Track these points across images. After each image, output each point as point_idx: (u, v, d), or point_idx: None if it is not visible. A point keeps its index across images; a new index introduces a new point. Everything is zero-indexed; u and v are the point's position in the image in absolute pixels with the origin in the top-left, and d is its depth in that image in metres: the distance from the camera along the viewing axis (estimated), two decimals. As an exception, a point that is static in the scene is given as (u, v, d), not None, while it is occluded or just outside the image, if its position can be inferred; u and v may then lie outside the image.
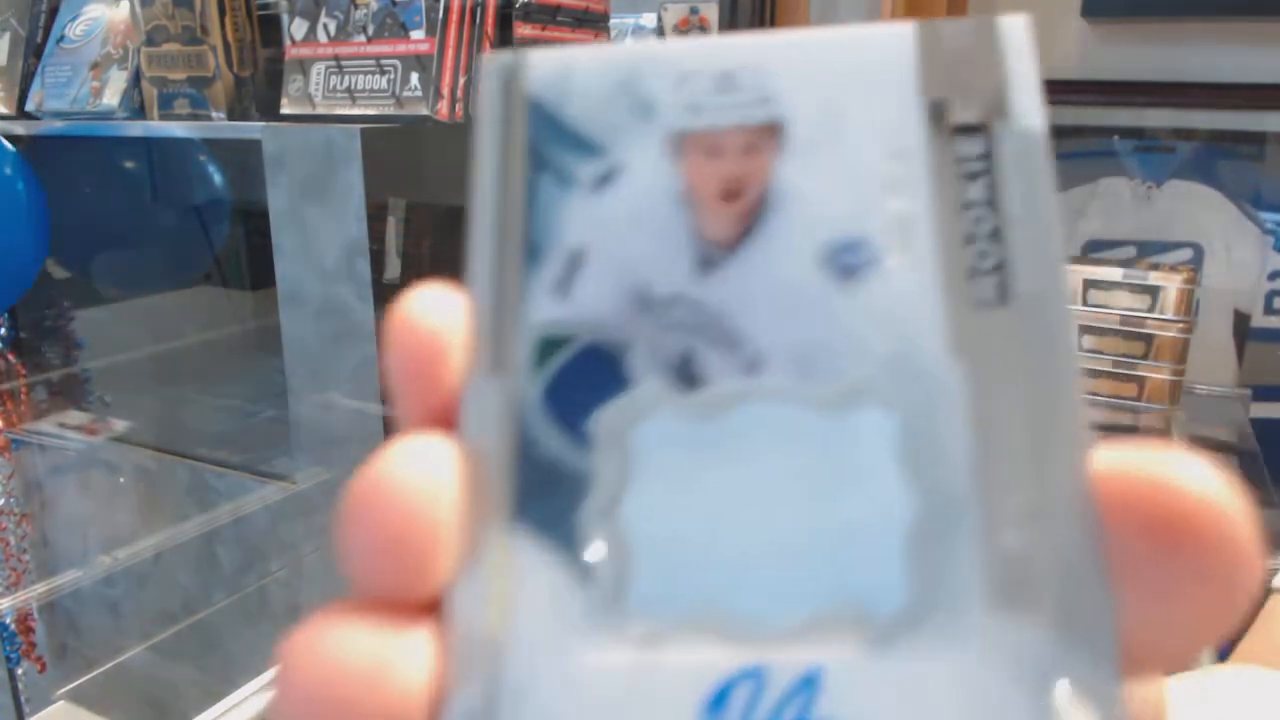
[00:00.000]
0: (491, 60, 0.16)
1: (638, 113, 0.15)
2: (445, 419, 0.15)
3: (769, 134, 0.15)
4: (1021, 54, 0.15)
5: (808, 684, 0.13)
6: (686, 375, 0.14)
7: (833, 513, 0.13)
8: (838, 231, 0.14)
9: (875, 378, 0.14)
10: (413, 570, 0.13)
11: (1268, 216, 1.13)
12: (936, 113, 0.15)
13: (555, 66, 0.16)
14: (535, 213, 0.15)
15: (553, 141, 0.15)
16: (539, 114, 0.16)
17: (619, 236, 0.15)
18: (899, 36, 0.15)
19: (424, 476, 0.14)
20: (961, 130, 0.15)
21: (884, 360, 0.14)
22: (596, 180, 0.15)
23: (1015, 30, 0.15)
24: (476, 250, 0.15)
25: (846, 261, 0.14)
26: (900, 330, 0.14)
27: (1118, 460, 0.13)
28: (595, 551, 0.14)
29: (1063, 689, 0.12)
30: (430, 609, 0.14)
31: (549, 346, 0.15)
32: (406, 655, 0.13)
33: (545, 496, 0.14)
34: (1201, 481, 0.12)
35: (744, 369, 0.14)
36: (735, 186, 0.15)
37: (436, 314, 0.15)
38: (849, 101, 0.15)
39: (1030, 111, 0.14)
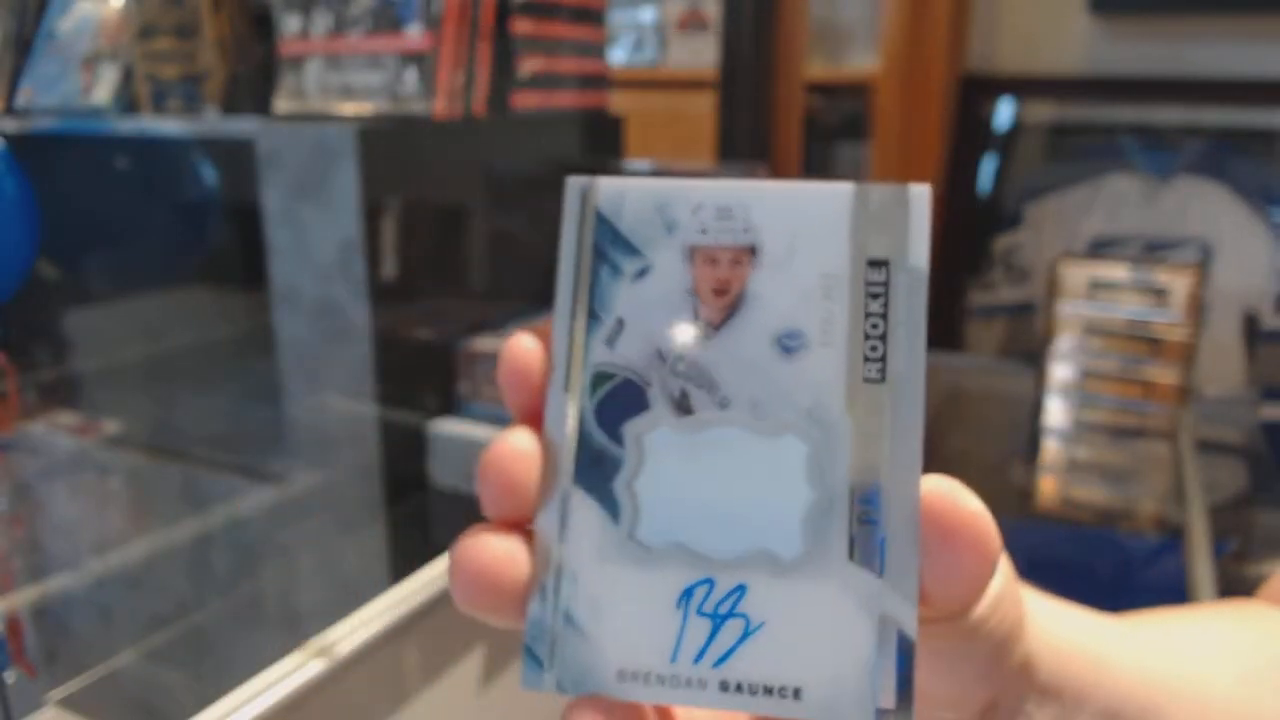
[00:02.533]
0: (573, 182, 0.23)
1: (666, 229, 0.23)
2: (534, 417, 0.23)
3: (748, 253, 0.22)
4: (922, 212, 0.22)
5: (737, 591, 0.21)
6: (683, 406, 0.22)
7: (762, 495, 0.21)
8: (785, 323, 0.22)
9: (797, 420, 0.21)
10: (519, 506, 0.22)
11: (1278, 213, 1.12)
12: (858, 249, 0.22)
13: (615, 189, 0.23)
14: (596, 291, 0.23)
15: (609, 243, 0.23)
16: (601, 223, 0.23)
17: (648, 312, 0.22)
18: (841, 193, 0.22)
19: (524, 452, 0.22)
20: (872, 263, 0.22)
21: (804, 410, 0.21)
22: (636, 273, 0.23)
23: (920, 196, 0.22)
24: (558, 312, 0.23)
25: (788, 344, 0.22)
26: (816, 392, 0.21)
27: (931, 484, 0.21)
28: (620, 506, 0.22)
29: (884, 613, 0.20)
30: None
31: (600, 379, 0.22)
32: (523, 552, 0.22)
33: (593, 471, 0.22)
34: (966, 501, 0.21)
35: (718, 405, 0.22)
36: (724, 286, 0.22)
37: (530, 349, 0.23)
38: (803, 235, 0.22)
39: (919, 254, 0.21)
